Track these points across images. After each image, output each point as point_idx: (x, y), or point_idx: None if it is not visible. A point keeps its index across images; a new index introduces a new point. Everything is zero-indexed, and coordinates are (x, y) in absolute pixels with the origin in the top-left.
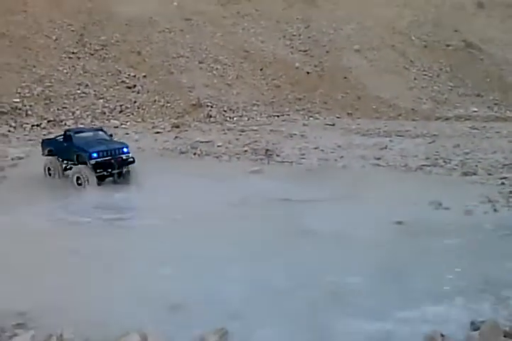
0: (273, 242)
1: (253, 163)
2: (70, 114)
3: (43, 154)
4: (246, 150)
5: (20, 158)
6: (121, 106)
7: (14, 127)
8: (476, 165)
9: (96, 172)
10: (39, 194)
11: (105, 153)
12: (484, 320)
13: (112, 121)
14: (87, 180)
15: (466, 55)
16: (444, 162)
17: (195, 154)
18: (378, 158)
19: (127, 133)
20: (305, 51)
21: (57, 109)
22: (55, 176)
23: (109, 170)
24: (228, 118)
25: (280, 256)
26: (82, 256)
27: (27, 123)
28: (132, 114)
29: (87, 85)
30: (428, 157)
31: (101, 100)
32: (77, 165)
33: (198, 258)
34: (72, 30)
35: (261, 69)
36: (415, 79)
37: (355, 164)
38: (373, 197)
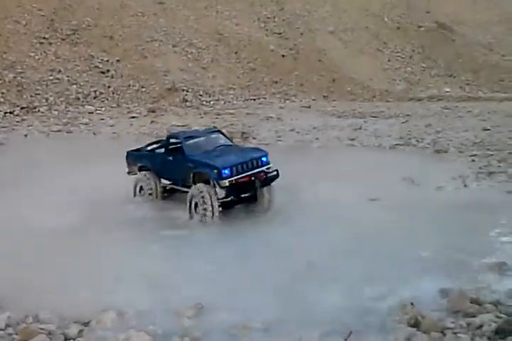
0: None
1: None
2: (44, 100)
3: (129, 173)
4: None
5: None
6: (95, 91)
7: None
8: (448, 144)
9: (227, 197)
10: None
11: (241, 168)
12: (452, 287)
13: (86, 106)
14: (212, 209)
15: (438, 36)
16: (417, 141)
17: None
18: (353, 139)
19: (102, 119)
20: (280, 34)
21: (30, 96)
22: (153, 198)
23: (248, 193)
24: (204, 102)
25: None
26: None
27: (0, 111)
28: (107, 99)
29: (59, 71)
30: (401, 136)
31: (74, 86)
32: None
33: None
34: (43, 15)
35: (236, 53)
36: (389, 60)
37: (330, 145)
38: (348, 175)
